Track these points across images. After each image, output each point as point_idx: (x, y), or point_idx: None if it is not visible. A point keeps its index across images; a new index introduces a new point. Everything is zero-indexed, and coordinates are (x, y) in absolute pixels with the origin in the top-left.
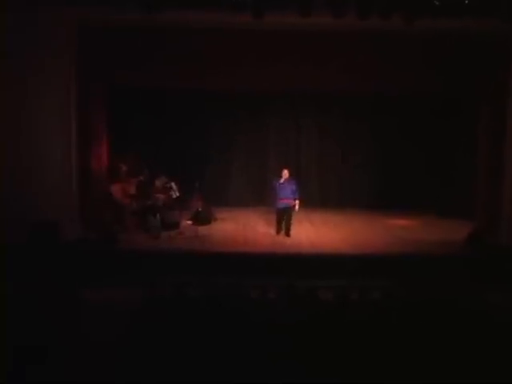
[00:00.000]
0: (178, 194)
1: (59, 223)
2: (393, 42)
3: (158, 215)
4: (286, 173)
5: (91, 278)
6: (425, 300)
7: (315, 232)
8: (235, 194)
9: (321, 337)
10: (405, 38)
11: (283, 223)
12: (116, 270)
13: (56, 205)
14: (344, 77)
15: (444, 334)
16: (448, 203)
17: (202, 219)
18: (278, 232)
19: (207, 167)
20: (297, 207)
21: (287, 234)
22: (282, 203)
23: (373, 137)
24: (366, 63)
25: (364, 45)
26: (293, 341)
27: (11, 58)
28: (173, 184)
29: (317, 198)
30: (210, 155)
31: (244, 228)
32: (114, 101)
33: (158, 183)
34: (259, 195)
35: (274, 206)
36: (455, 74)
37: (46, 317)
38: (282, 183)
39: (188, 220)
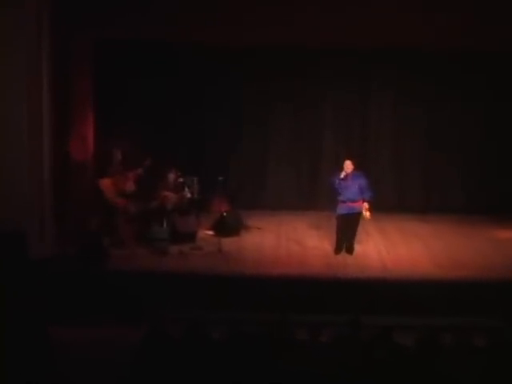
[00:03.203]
0: (195, 194)
1: (26, 234)
2: None
3: (165, 222)
4: (348, 165)
5: (70, 312)
6: None
7: (389, 248)
8: (274, 194)
9: None
10: None
11: (345, 236)
12: (106, 300)
13: (21, 209)
14: (432, 25)
15: None
16: None
17: (228, 228)
18: (338, 249)
19: (235, 155)
20: (367, 213)
21: (349, 250)
22: (345, 207)
23: (470, 114)
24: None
25: None
26: None
27: None
28: (194, 180)
29: (392, 200)
30: (238, 139)
31: (287, 242)
32: (102, 63)
33: (170, 178)
34: (309, 195)
35: (334, 210)
36: None
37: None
38: (344, 179)
39: (208, 229)
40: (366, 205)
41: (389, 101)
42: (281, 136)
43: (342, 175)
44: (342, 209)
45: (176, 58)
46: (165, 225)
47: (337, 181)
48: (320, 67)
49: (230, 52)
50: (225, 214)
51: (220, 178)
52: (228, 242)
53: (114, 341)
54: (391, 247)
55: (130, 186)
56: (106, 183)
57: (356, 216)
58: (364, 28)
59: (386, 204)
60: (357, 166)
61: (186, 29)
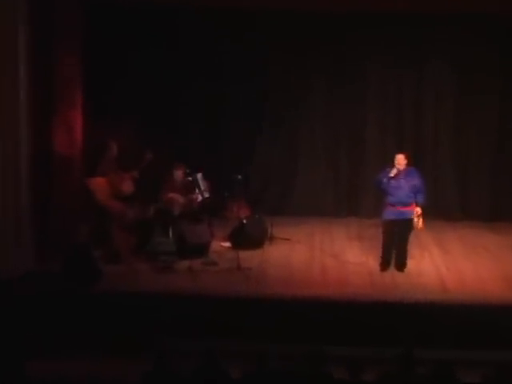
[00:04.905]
0: (207, 195)
1: None
2: None
3: (171, 231)
4: (401, 159)
5: (53, 343)
6: None
7: (450, 263)
8: (306, 196)
9: None
10: None
11: (394, 247)
12: (97, 328)
13: None
14: None
15: None
16: None
17: (248, 239)
18: (385, 265)
19: (257, 148)
20: (420, 222)
21: (400, 266)
22: (394, 212)
23: None
24: None
25: None
26: None
27: None
28: (198, 177)
29: (453, 204)
30: (260, 128)
31: (322, 255)
32: (93, 34)
33: (177, 176)
34: (348, 198)
35: (379, 216)
36: None
37: None
38: (395, 177)
39: (224, 240)
40: (418, 210)
41: (447, 79)
42: (313, 124)
43: (393, 173)
44: (390, 214)
45: (184, 25)
46: (170, 234)
47: (385, 180)
48: (361, 38)
49: (249, 18)
50: (244, 221)
51: (238, 177)
52: (248, 256)
53: (107, 378)
54: (452, 262)
55: (127, 187)
56: (97, 183)
57: (408, 223)
58: None
59: (446, 209)
60: (410, 162)
61: None
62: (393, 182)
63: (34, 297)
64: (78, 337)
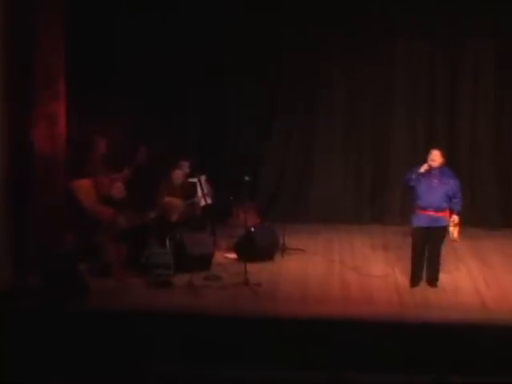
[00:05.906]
0: (209, 201)
1: None
2: None
3: (168, 241)
4: (436, 155)
5: (32, 367)
6: None
7: (490, 278)
8: (323, 201)
9: None
10: None
11: (425, 260)
12: (83, 351)
13: None
14: None
15: None
16: None
17: (257, 250)
18: (415, 280)
19: (267, 145)
20: (456, 232)
21: (432, 281)
22: (425, 218)
23: None
24: None
25: None
26: None
27: None
28: (202, 179)
29: (493, 211)
30: (271, 121)
31: (341, 268)
32: (79, 16)
33: (176, 177)
34: (372, 202)
35: (408, 223)
36: None
37: None
38: (427, 174)
39: (229, 251)
40: (454, 218)
41: (489, 61)
42: (332, 115)
43: (424, 168)
44: (421, 220)
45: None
46: (168, 245)
47: (414, 176)
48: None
49: None
50: (252, 229)
51: (246, 178)
52: (257, 270)
53: None
54: (492, 277)
55: (117, 190)
56: (83, 185)
57: (441, 231)
58: None
59: (484, 213)
60: (447, 159)
61: None
62: (424, 181)
63: (11, 315)
64: (62, 360)
